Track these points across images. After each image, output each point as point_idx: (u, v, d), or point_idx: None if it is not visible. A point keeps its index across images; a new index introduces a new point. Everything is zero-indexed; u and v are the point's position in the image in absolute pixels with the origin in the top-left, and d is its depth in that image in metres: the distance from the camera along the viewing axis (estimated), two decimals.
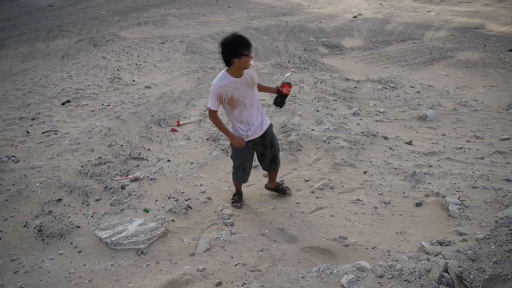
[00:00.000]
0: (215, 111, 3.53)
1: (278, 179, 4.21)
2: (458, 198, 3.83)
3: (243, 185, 4.15)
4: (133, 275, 3.19)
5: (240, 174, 3.91)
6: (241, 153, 3.77)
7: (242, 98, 3.52)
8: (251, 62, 3.43)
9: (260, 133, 3.69)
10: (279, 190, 4.16)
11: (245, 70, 3.43)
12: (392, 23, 11.94)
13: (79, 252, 3.46)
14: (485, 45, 9.74)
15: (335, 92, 6.83)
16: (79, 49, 10.63)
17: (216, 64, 8.85)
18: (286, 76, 3.69)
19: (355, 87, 7.07)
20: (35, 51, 10.80)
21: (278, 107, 3.81)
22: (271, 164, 3.92)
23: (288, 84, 3.64)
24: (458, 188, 4.06)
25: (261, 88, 3.77)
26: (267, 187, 4.20)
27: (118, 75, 8.48)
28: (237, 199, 4.08)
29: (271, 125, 3.82)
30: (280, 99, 3.73)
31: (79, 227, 3.75)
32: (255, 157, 3.94)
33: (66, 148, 5.35)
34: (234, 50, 3.28)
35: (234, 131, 3.70)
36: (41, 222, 3.79)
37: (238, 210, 3.97)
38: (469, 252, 2.49)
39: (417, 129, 5.71)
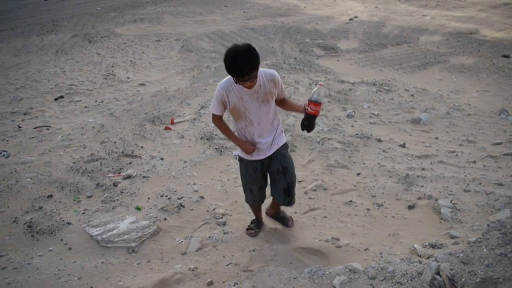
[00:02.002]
0: (219, 116, 3.03)
1: None
2: (450, 201, 3.85)
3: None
4: (123, 273, 3.16)
5: (248, 197, 3.39)
6: (245, 171, 3.22)
7: (247, 112, 2.94)
8: (270, 74, 2.90)
9: (267, 154, 3.10)
10: (279, 219, 3.62)
11: (260, 83, 2.85)
12: (387, 26, 11.99)
13: (69, 249, 3.42)
14: (478, 50, 9.82)
15: (330, 93, 6.84)
16: (73, 45, 10.54)
17: (212, 63, 8.82)
18: (313, 91, 2.89)
19: (350, 89, 7.09)
20: (29, 45, 10.69)
21: (306, 132, 3.03)
22: (285, 195, 3.22)
23: (315, 102, 2.86)
24: (451, 191, 4.09)
25: (287, 106, 3.17)
26: (267, 212, 3.67)
27: (113, 71, 8.42)
28: (253, 226, 3.58)
29: (284, 146, 3.17)
30: (307, 122, 2.95)
31: (69, 223, 3.71)
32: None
33: (58, 144, 5.29)
34: (226, 68, 2.69)
35: None
36: (31, 218, 3.74)
37: (231, 210, 3.96)
38: (461, 255, 2.50)
39: (411, 132, 5.73)
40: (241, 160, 3.22)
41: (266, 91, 2.89)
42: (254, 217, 3.66)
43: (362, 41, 10.60)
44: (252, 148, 3.05)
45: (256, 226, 3.58)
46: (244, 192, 3.38)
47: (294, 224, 3.60)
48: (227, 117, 5.09)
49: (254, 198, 3.37)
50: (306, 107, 2.90)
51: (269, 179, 3.30)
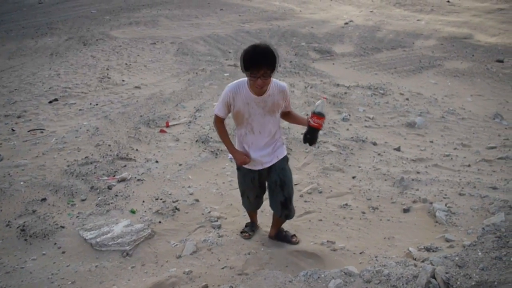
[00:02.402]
0: (221, 118, 2.97)
1: None
2: (445, 205, 3.86)
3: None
4: (117, 277, 3.14)
5: (245, 202, 3.37)
6: (243, 179, 3.18)
7: (250, 120, 2.90)
8: (281, 86, 2.87)
9: (265, 166, 3.04)
10: (282, 238, 3.45)
11: (269, 93, 2.82)
12: (382, 30, 12.06)
13: (63, 253, 3.39)
14: (473, 55, 9.90)
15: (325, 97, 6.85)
16: (68, 48, 10.50)
17: (207, 66, 8.82)
18: (316, 104, 2.86)
19: (345, 93, 7.11)
20: (23, 48, 10.64)
21: (308, 145, 3.01)
22: (282, 208, 3.16)
23: (318, 115, 2.83)
24: (445, 195, 4.10)
25: (292, 119, 3.14)
26: (270, 236, 3.51)
27: (108, 74, 8.39)
28: (248, 229, 3.58)
29: (284, 159, 3.11)
30: (310, 135, 2.91)
31: (63, 227, 3.67)
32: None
33: (52, 147, 5.26)
34: (243, 63, 2.67)
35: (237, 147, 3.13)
36: (24, 222, 3.70)
37: (226, 213, 3.94)
38: (456, 258, 2.50)
39: (406, 135, 5.75)
40: (238, 168, 3.18)
41: (274, 101, 2.86)
42: (249, 220, 3.64)
43: (358, 45, 10.65)
44: (244, 159, 3.01)
45: (250, 229, 3.57)
46: (241, 196, 3.38)
47: (299, 240, 3.45)
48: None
49: (250, 204, 3.37)
50: (309, 119, 2.88)
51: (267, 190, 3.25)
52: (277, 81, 2.90)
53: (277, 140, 3.06)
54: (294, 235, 3.50)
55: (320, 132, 5.50)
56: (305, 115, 6.05)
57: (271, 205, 3.24)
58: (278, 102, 2.89)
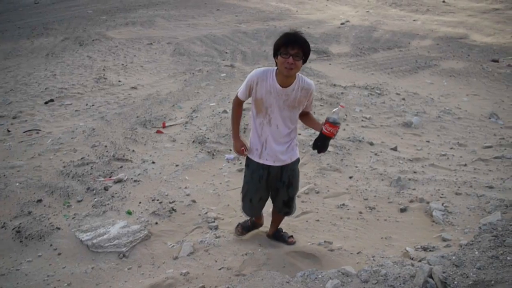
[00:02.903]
0: (240, 100, 2.97)
1: None
2: (442, 204, 3.87)
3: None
4: (114, 278, 3.12)
5: (246, 206, 3.25)
6: (250, 177, 3.10)
7: (270, 111, 2.86)
8: (308, 83, 2.82)
9: (277, 164, 3.00)
10: (279, 238, 3.47)
11: (294, 87, 2.77)
12: (379, 30, 12.09)
13: (59, 254, 3.37)
14: (468, 55, 9.94)
15: (321, 97, 6.86)
16: (64, 48, 10.45)
17: (204, 67, 8.81)
18: (333, 111, 2.74)
19: (342, 93, 7.11)
20: (19, 48, 10.58)
21: (317, 152, 2.92)
22: (283, 206, 3.22)
23: (333, 123, 2.71)
24: (442, 194, 4.11)
25: (309, 121, 3.05)
26: (268, 235, 3.54)
27: (104, 75, 8.36)
28: (246, 226, 3.53)
29: (297, 161, 3.10)
30: (320, 142, 2.82)
31: (59, 228, 3.65)
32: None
33: (48, 148, 5.23)
34: (278, 42, 2.68)
35: (251, 141, 3.05)
36: (19, 223, 3.68)
37: (223, 214, 3.93)
38: (453, 257, 2.50)
39: (402, 135, 5.76)
40: (247, 164, 3.11)
41: (297, 97, 2.82)
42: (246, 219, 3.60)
43: (354, 45, 10.67)
44: (241, 150, 3.02)
45: (246, 228, 3.52)
46: (243, 200, 3.26)
47: (295, 241, 3.45)
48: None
49: (251, 209, 3.25)
50: (322, 126, 2.78)
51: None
52: (304, 77, 2.86)
53: (292, 139, 3.01)
54: (291, 236, 3.49)
55: (317, 133, 5.53)
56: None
57: (274, 202, 3.25)
58: (301, 99, 2.83)
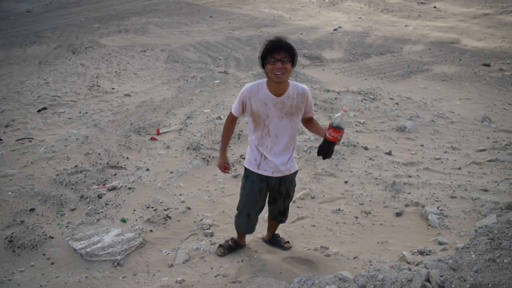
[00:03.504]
0: (234, 117, 2.92)
1: None
2: (438, 208, 3.87)
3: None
4: (108, 287, 3.08)
5: (243, 222, 3.15)
6: (250, 190, 3.00)
7: (267, 122, 2.80)
8: (301, 88, 2.79)
9: (276, 175, 2.94)
10: (275, 243, 3.43)
11: (289, 94, 2.74)
12: (371, 36, 12.18)
13: (52, 263, 3.32)
14: (460, 59, 10.03)
15: (315, 102, 6.87)
16: (57, 56, 10.41)
17: (198, 73, 8.80)
18: (336, 116, 2.68)
19: (336, 98, 7.14)
20: (11, 56, 10.52)
21: (322, 158, 2.86)
22: (279, 215, 3.23)
23: (337, 128, 2.66)
24: (437, 198, 4.11)
25: (313, 127, 2.99)
26: (264, 240, 3.51)
27: (97, 82, 8.33)
28: (227, 246, 3.35)
29: (295, 173, 3.08)
30: (325, 148, 2.78)
31: (52, 237, 3.60)
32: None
33: (41, 156, 5.18)
34: (261, 56, 2.68)
35: (248, 153, 3.01)
36: (12, 233, 3.62)
37: (218, 220, 3.90)
38: (450, 261, 2.50)
39: (396, 140, 5.78)
40: (247, 176, 3.01)
41: (293, 104, 2.77)
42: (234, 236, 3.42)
43: (347, 51, 10.73)
44: (222, 167, 3.04)
45: (229, 248, 3.34)
46: (238, 216, 3.16)
47: (291, 246, 3.42)
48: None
49: (248, 224, 3.15)
50: (326, 132, 2.73)
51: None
52: (297, 83, 2.84)
53: (293, 149, 2.98)
54: (287, 241, 3.47)
55: (312, 138, 5.55)
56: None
57: (269, 208, 3.23)
58: (298, 105, 2.79)
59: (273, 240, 3.46)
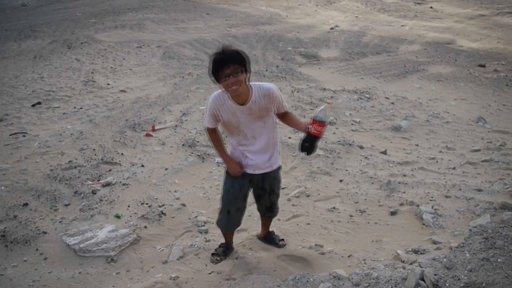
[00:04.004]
0: (213, 129, 2.88)
1: None
2: (432, 207, 3.88)
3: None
4: (102, 283, 3.06)
5: (223, 218, 3.10)
6: (231, 188, 2.98)
7: (242, 127, 2.78)
8: (265, 89, 2.71)
9: (258, 171, 2.91)
10: (270, 240, 3.41)
11: (253, 99, 2.67)
12: (367, 35, 12.18)
13: (45, 259, 3.30)
14: (456, 60, 10.06)
15: (311, 101, 6.87)
16: (52, 51, 10.32)
17: (194, 70, 8.77)
18: (319, 109, 2.64)
19: (332, 97, 7.14)
20: (6, 51, 10.42)
21: (306, 154, 2.83)
22: (266, 211, 3.22)
23: (321, 122, 2.63)
24: (432, 197, 4.13)
25: (290, 121, 2.92)
26: (259, 238, 3.48)
27: (92, 78, 8.27)
28: (220, 251, 3.25)
29: (278, 168, 3.03)
30: (309, 143, 2.71)
31: (45, 233, 3.57)
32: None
33: (35, 151, 5.14)
34: (212, 74, 2.61)
35: (230, 151, 3.00)
36: (5, 228, 3.59)
37: (213, 217, 3.88)
38: (445, 260, 2.50)
39: (392, 139, 5.79)
40: (228, 172, 3.00)
41: (261, 107, 2.71)
42: (223, 241, 3.35)
43: (343, 50, 10.73)
44: (238, 171, 2.90)
45: (223, 253, 3.25)
46: (220, 212, 3.12)
47: (285, 244, 3.41)
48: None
49: (228, 221, 3.10)
50: (309, 126, 2.68)
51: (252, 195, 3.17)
52: (260, 84, 2.76)
53: (274, 146, 2.93)
54: (282, 239, 3.46)
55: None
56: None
57: (257, 205, 3.24)
58: (267, 107, 2.73)
59: (268, 238, 3.45)
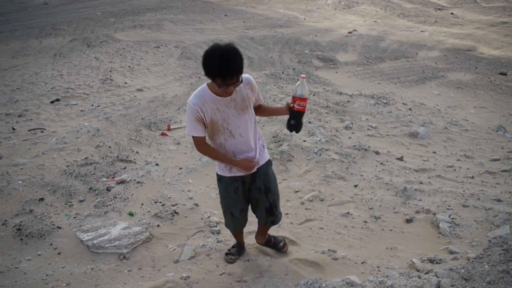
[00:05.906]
0: (201, 138, 2.68)
1: None
2: (449, 216, 3.79)
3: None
4: (113, 280, 3.07)
5: (228, 221, 3.09)
6: (225, 191, 2.92)
7: (226, 124, 2.66)
8: (245, 78, 2.66)
9: (248, 172, 2.84)
10: (271, 245, 3.34)
11: (236, 89, 2.60)
12: (386, 40, 12.06)
13: (59, 254, 3.33)
14: (476, 67, 9.87)
15: (328, 105, 6.82)
16: (72, 49, 10.49)
17: None
18: (297, 85, 2.68)
19: (348, 101, 7.07)
20: (27, 48, 10.63)
21: (294, 132, 2.82)
22: (268, 215, 3.01)
23: (301, 97, 2.66)
24: (449, 206, 4.04)
25: (266, 112, 2.93)
26: (257, 242, 3.38)
27: (110, 76, 8.37)
28: (234, 251, 3.27)
29: (268, 163, 2.93)
30: (294, 121, 2.73)
31: (60, 228, 3.61)
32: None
33: (52, 147, 5.21)
34: (207, 69, 2.43)
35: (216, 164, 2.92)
36: (20, 221, 3.65)
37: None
38: (462, 271, 2.44)
39: (408, 145, 5.70)
40: (219, 179, 2.92)
41: (244, 96, 2.66)
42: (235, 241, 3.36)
43: (361, 54, 10.64)
44: (251, 164, 2.78)
45: (237, 252, 3.26)
46: (224, 215, 3.08)
47: (287, 247, 3.36)
48: None
49: (235, 222, 3.06)
50: (292, 104, 2.68)
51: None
52: None
53: (258, 141, 2.86)
54: (283, 241, 3.37)
55: (322, 140, 5.50)
56: (308, 122, 6.01)
57: (256, 213, 3.07)
58: (248, 96, 2.68)
59: (268, 243, 3.35)
